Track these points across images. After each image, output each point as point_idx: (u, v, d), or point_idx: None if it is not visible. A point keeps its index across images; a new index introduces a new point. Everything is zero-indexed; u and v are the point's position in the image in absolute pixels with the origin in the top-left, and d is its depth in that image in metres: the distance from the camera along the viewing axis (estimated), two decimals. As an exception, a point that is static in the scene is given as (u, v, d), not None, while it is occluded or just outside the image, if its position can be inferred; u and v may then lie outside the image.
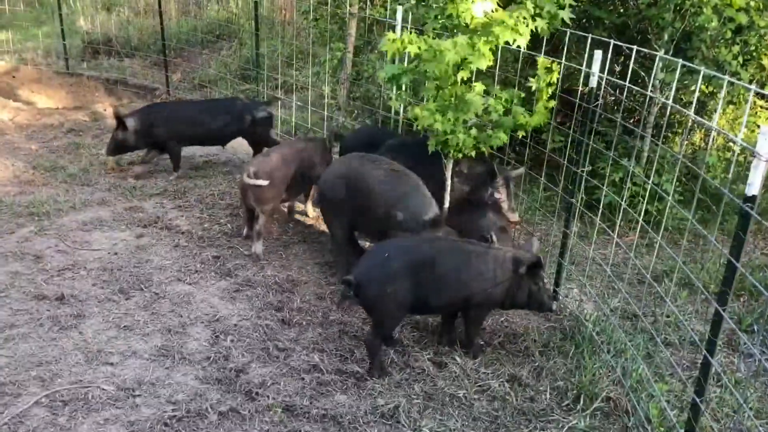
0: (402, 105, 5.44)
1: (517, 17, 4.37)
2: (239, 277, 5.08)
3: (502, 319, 4.76)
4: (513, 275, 4.13)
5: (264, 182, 5.28)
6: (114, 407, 3.63)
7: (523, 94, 4.89)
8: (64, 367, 3.94)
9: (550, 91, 4.69)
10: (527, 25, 4.41)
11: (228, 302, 4.74)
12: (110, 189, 6.57)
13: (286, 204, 6.22)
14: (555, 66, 4.61)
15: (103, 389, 3.76)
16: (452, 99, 4.79)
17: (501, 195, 5.16)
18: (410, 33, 4.58)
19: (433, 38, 4.59)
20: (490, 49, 4.57)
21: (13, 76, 10.37)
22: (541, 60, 4.62)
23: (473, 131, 4.76)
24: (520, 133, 4.83)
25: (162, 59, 10.26)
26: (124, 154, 7.13)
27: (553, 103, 4.78)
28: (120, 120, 6.66)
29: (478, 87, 4.77)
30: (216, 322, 4.48)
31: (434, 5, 4.75)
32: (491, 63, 4.68)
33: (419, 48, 4.49)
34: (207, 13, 12.73)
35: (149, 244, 5.47)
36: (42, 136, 8.15)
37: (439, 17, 4.77)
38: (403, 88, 5.35)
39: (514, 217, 5.26)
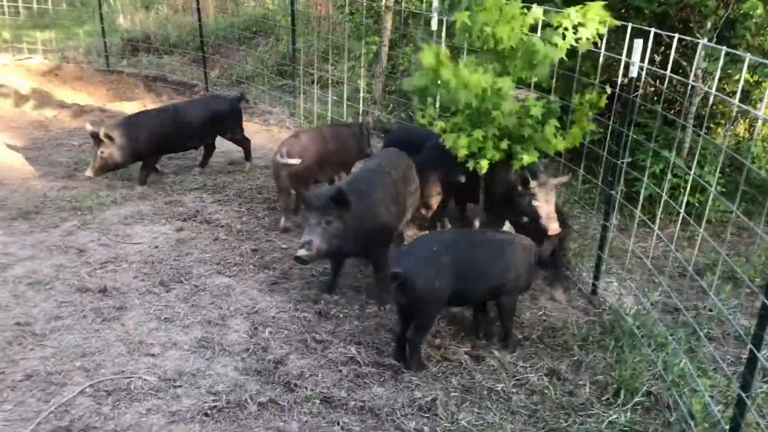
0: (428, 121, 5.15)
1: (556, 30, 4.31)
2: (277, 270, 5.12)
3: (540, 313, 4.71)
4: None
5: (296, 161, 5.37)
6: (155, 397, 3.70)
7: (559, 106, 4.71)
8: (107, 358, 4.02)
9: (591, 113, 4.55)
10: (564, 38, 4.35)
11: (266, 294, 4.79)
12: (150, 183, 6.69)
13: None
14: (596, 88, 4.52)
15: (145, 380, 3.83)
16: (481, 117, 4.66)
17: (538, 203, 4.68)
18: (443, 49, 4.49)
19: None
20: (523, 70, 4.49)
21: (56, 74, 10.61)
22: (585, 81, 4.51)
23: (503, 145, 4.60)
24: (552, 148, 4.65)
25: (200, 56, 10.39)
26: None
27: (592, 126, 4.65)
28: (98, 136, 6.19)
29: (507, 105, 4.53)
30: (255, 314, 4.53)
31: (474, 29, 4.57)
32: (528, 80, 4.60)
33: (453, 76, 4.36)
34: (244, 10, 12.86)
35: (189, 237, 5.55)
36: (84, 132, 8.32)
37: (482, 43, 4.58)
38: (430, 101, 5.24)
39: (554, 228, 4.66)
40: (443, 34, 6.09)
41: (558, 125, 4.58)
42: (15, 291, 4.65)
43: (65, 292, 4.68)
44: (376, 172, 4.81)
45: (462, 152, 4.56)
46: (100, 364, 3.96)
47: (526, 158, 4.56)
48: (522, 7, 4.41)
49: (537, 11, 4.45)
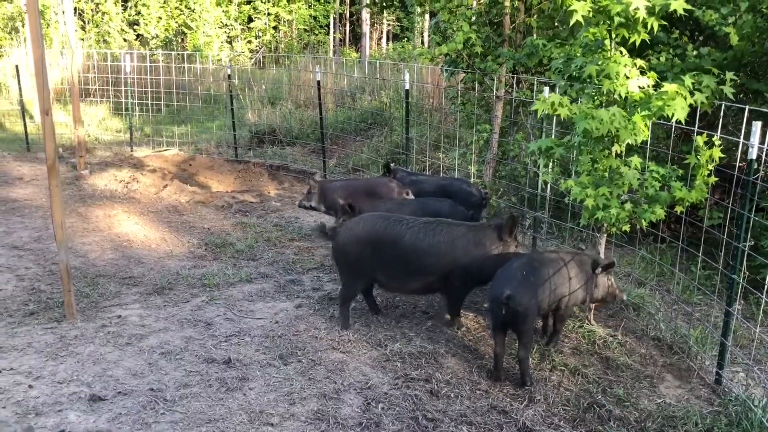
0: (552, 179, 5.57)
1: (676, 91, 4.39)
2: (388, 347, 5.25)
3: (660, 401, 4.53)
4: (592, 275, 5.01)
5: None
6: (274, 465, 3.84)
7: (681, 171, 4.82)
8: (230, 425, 4.23)
9: (710, 167, 4.60)
10: (686, 98, 4.41)
11: (379, 371, 4.90)
12: (273, 263, 7.11)
13: None
14: (716, 140, 4.55)
15: (264, 447, 4.00)
16: (606, 173, 4.83)
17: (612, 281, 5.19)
18: (561, 97, 4.72)
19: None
20: (645, 125, 4.60)
21: (190, 164, 11.61)
22: (700, 137, 4.58)
23: (627, 205, 4.74)
24: (678, 209, 4.74)
25: (320, 146, 11.07)
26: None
27: (713, 179, 4.68)
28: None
29: (635, 160, 4.77)
30: (367, 390, 4.64)
31: (588, 83, 4.86)
32: (646, 137, 4.70)
33: (570, 111, 4.61)
34: (360, 104, 13.64)
35: (307, 314, 5.81)
36: (214, 216, 9.02)
37: (595, 97, 4.87)
38: (553, 162, 5.46)
39: (622, 296, 5.35)
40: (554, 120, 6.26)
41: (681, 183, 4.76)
42: (149, 360, 5.02)
43: (193, 362, 5.00)
44: None
45: (589, 202, 4.80)
46: (223, 431, 4.17)
47: (655, 214, 4.73)
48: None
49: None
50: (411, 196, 7.03)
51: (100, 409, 4.33)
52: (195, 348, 5.21)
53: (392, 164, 8.25)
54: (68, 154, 11.74)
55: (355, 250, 5.38)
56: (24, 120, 13.11)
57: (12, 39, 21.76)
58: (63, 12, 15.84)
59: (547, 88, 6.58)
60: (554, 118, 6.30)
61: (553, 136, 6.14)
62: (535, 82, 7.12)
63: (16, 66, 13.42)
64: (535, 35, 8.17)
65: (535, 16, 8.13)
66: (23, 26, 20.91)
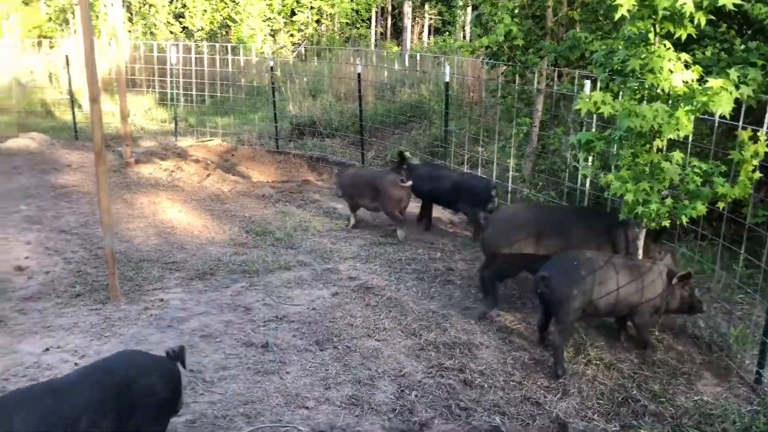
0: (592, 173, 5.54)
1: (722, 86, 4.32)
2: (423, 337, 5.29)
3: (697, 398, 4.48)
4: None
5: (410, 183, 7.54)
6: (308, 446, 3.92)
7: (724, 168, 4.74)
8: (267, 407, 4.33)
9: (755, 162, 4.52)
10: (731, 93, 4.34)
11: (413, 360, 4.95)
12: (310, 252, 7.21)
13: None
14: (762, 135, 4.46)
15: (300, 430, 4.08)
16: (647, 167, 4.78)
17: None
18: (604, 95, 4.69)
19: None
20: (688, 119, 4.54)
21: (232, 155, 11.81)
22: (745, 132, 4.50)
23: (668, 201, 4.69)
24: (720, 204, 4.67)
25: (359, 138, 11.15)
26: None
27: (757, 175, 4.59)
28: None
29: (676, 155, 4.72)
30: (401, 377, 4.70)
31: (631, 76, 4.82)
32: (688, 132, 4.64)
33: (612, 108, 4.58)
34: (400, 97, 13.66)
35: (343, 302, 5.89)
36: (254, 205, 9.17)
37: (637, 90, 4.83)
38: (593, 156, 5.42)
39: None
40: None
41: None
42: (190, 342, 5.15)
43: (232, 346, 5.12)
44: None
45: (629, 197, 4.74)
46: (260, 413, 4.28)
47: (696, 210, 4.65)
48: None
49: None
50: (407, 183, 7.62)
51: (142, 387, 4.47)
52: (234, 332, 5.33)
53: (406, 152, 8.44)
54: (115, 143, 12.04)
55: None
56: (73, 109, 13.48)
57: (63, 30, 22.36)
58: (112, 4, 16.23)
59: (588, 82, 6.52)
60: (596, 114, 6.25)
61: (594, 130, 6.09)
62: (577, 76, 7.06)
63: (66, 56, 13.80)
64: (578, 28, 8.09)
65: (578, 9, 8.04)
66: (74, 18, 21.47)
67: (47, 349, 4.97)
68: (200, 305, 5.82)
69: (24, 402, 3.10)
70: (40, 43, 18.38)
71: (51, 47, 18.24)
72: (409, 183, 7.66)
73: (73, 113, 13.41)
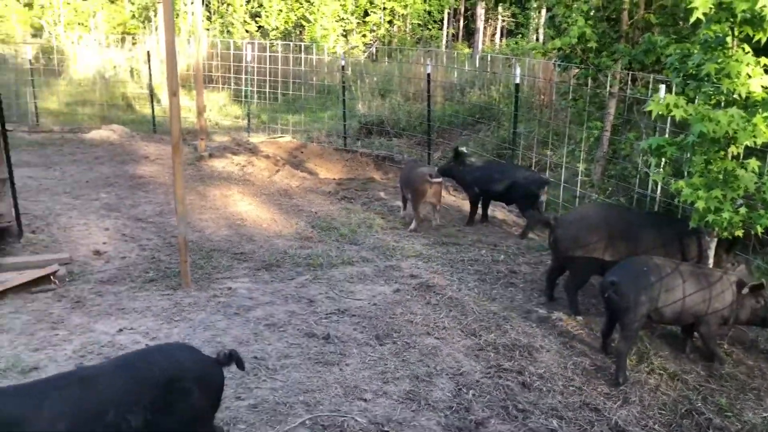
0: (663, 179, 5.43)
1: None
2: (482, 337, 5.29)
3: (766, 414, 4.33)
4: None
5: (439, 179, 7.73)
6: (365, 437, 4.00)
7: None
8: (326, 397, 4.43)
9: None
10: None
11: (472, 359, 4.97)
12: (374, 248, 7.31)
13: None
14: None
15: (357, 421, 4.16)
16: (720, 175, 4.65)
17: None
18: (677, 98, 4.60)
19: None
20: (766, 126, 4.40)
21: (301, 151, 12.05)
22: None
23: (743, 210, 4.55)
24: None
25: (426, 139, 11.19)
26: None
27: None
28: None
29: (753, 163, 4.58)
30: (459, 376, 4.72)
31: (706, 81, 4.71)
32: (766, 139, 4.49)
33: (685, 112, 4.48)
34: (469, 98, 13.63)
35: (403, 299, 5.95)
36: (321, 201, 9.35)
37: (712, 95, 4.71)
38: (665, 162, 5.31)
39: None
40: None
41: None
42: (255, 330, 5.32)
43: (295, 335, 5.25)
44: None
45: (700, 204, 4.66)
46: (319, 401, 4.38)
47: None
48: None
49: None
50: (436, 179, 7.80)
51: (208, 370, 4.65)
52: (297, 322, 5.47)
53: (462, 148, 8.51)
54: (190, 137, 12.48)
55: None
56: (152, 103, 14.04)
57: (145, 28, 23.27)
58: (192, 2, 16.79)
59: (663, 86, 6.37)
60: (669, 117, 6.11)
61: (667, 136, 5.94)
62: (651, 80, 6.90)
63: (148, 52, 14.38)
64: (655, 32, 7.90)
65: (656, 12, 7.85)
66: (155, 16, 22.31)
67: (121, 330, 5.22)
68: (266, 295, 5.99)
69: (54, 389, 2.96)
70: (123, 40, 19.20)
71: (133, 44, 19.03)
72: (439, 179, 7.83)
73: (152, 107, 13.96)
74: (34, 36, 22.25)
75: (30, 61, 14.39)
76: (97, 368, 3.27)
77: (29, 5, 23.79)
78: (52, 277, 6.03)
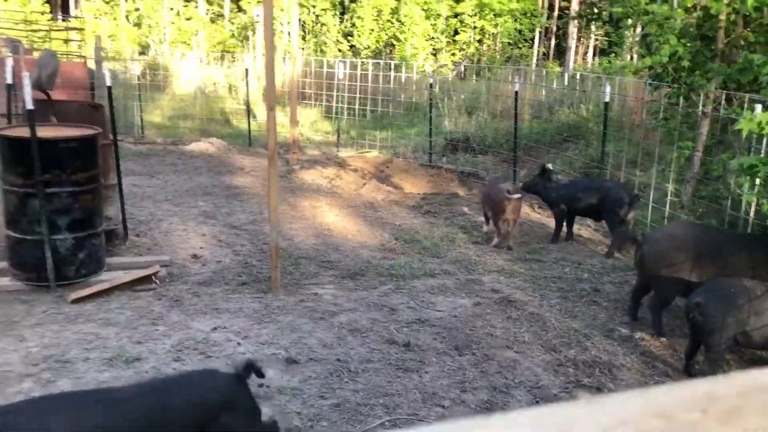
0: (757, 200, 5.27)
1: None
2: (562, 353, 5.30)
3: None
4: None
5: (518, 195, 7.68)
6: (441, 442, 4.10)
7: None
8: (404, 401, 4.58)
9: None
10: None
11: (551, 374, 4.99)
12: (455, 262, 7.43)
13: None
14: None
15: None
16: None
17: None
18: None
19: None
20: None
21: (388, 166, 12.32)
22: None
23: None
24: None
25: (512, 156, 11.21)
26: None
27: None
28: None
29: None
30: (537, 389, 4.76)
31: None
32: None
33: None
34: (558, 117, 13.54)
35: (484, 312, 6.04)
36: (405, 214, 9.56)
37: None
38: (759, 182, 5.18)
39: None
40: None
41: None
42: (338, 334, 5.54)
43: (377, 341, 5.44)
44: None
45: None
46: (398, 405, 4.53)
47: None
48: None
49: None
50: (514, 196, 7.82)
51: (293, 370, 4.89)
52: (379, 329, 5.65)
53: (549, 165, 8.48)
54: (283, 150, 13.00)
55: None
56: (248, 118, 14.71)
57: (243, 46, 24.37)
58: (288, 23, 17.49)
59: (759, 106, 6.21)
60: (765, 138, 5.95)
61: (762, 155, 5.80)
62: (746, 100, 6.73)
63: (246, 69, 15.10)
64: (755, 50, 7.68)
65: (754, 31, 7.64)
66: (254, 35, 23.34)
67: (215, 328, 5.56)
68: (350, 302, 6.21)
69: (70, 406, 2.90)
70: (222, 57, 20.20)
71: (232, 61, 19.99)
72: (518, 195, 7.84)
73: (249, 122, 14.63)
74: (141, 53, 23.72)
75: (138, 77, 15.40)
76: (116, 390, 3.21)
77: (138, 25, 25.43)
78: (153, 277, 6.48)
